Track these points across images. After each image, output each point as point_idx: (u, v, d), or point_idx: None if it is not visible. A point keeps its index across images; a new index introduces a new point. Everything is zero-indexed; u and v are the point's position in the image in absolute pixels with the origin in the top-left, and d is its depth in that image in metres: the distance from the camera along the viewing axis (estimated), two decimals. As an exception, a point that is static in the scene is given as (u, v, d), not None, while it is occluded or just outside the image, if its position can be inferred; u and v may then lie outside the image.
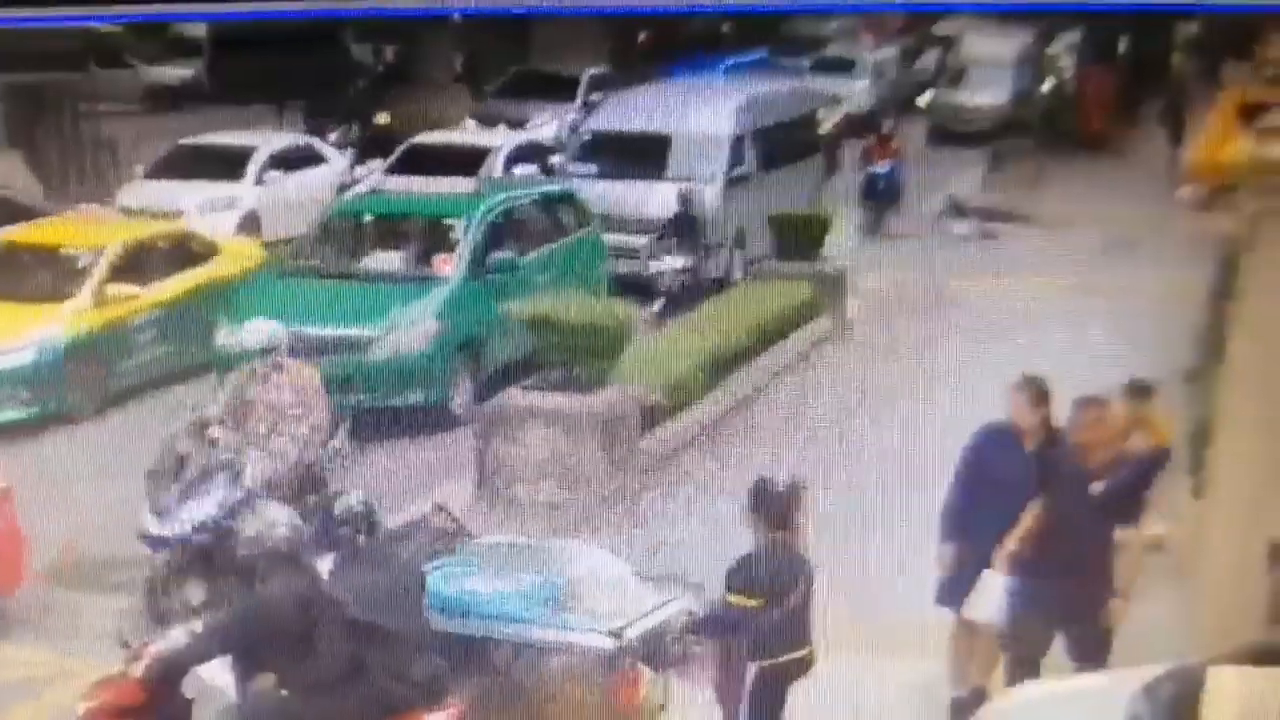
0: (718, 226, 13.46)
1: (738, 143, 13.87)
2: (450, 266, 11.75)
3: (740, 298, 12.36)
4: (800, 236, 12.93)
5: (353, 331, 11.03)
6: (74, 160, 15.52)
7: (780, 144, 14.30)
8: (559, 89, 17.59)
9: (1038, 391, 7.35)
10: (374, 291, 11.56)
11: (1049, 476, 7.19)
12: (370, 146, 16.25)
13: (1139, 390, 9.31)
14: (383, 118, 17.03)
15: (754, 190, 13.76)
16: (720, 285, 13.21)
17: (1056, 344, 10.13)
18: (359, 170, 15.58)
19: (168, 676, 6.47)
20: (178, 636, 6.58)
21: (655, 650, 6.94)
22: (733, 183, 13.72)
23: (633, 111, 14.46)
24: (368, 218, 12.88)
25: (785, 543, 6.63)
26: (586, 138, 14.25)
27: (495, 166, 14.87)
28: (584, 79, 17.75)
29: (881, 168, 15.65)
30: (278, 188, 14.86)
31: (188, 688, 6.52)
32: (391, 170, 14.82)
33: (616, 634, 6.84)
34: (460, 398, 11.26)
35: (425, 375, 11.06)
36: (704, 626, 6.84)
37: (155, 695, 6.45)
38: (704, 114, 14.12)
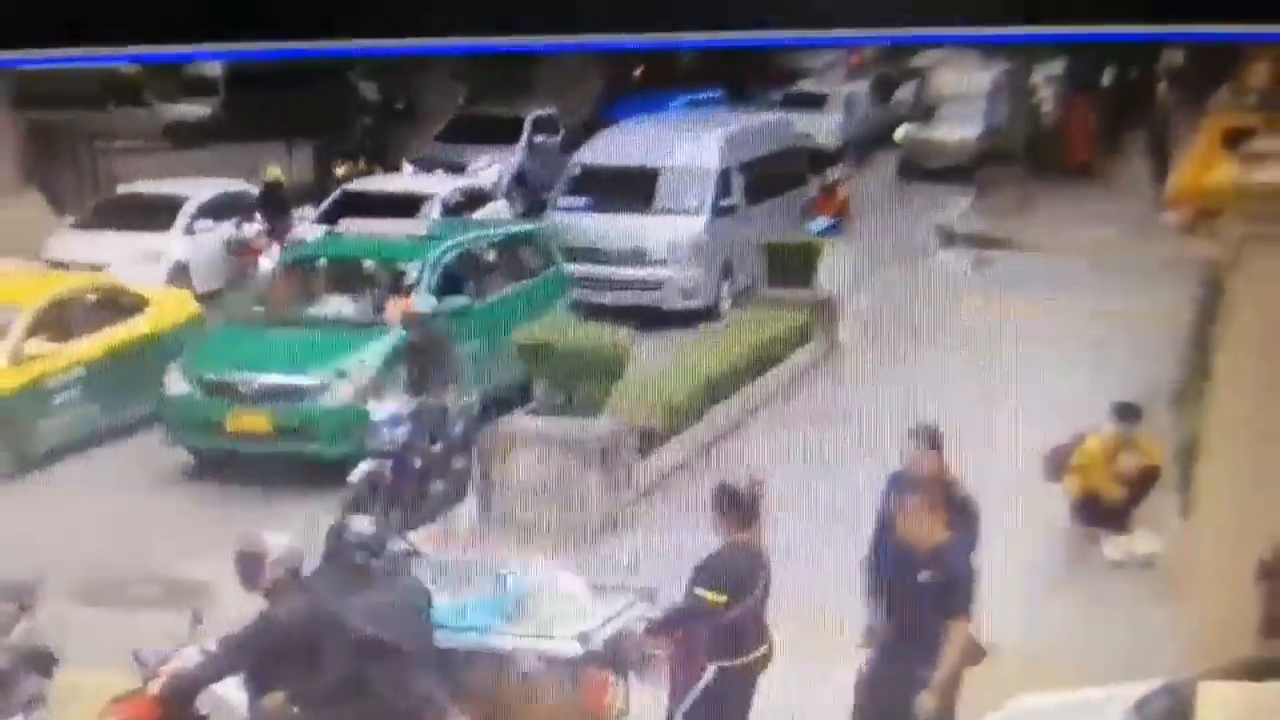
0: (703, 256, 13.63)
1: (725, 175, 14.05)
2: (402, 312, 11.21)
3: (735, 324, 12.52)
4: (792, 264, 13.09)
5: (304, 379, 10.88)
6: (91, 197, 15.39)
7: (766, 176, 14.47)
8: (502, 131, 16.91)
9: (930, 440, 7.25)
10: (327, 338, 11.32)
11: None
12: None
13: (1127, 412, 9.51)
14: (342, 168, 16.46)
15: (740, 222, 13.93)
16: (709, 314, 13.34)
17: (1045, 367, 10.26)
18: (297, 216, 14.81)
19: (182, 694, 6.61)
20: (192, 655, 6.71)
21: (617, 655, 7.16)
22: (720, 214, 13.89)
23: (621, 145, 14.65)
24: (322, 262, 12.62)
25: (746, 543, 6.84)
26: (576, 172, 14.37)
27: (432, 214, 14.28)
28: (528, 121, 17.18)
29: (820, 223, 14.91)
30: (208, 238, 14.22)
31: (202, 705, 6.64)
32: (324, 218, 14.25)
33: (583, 639, 7.05)
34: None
35: None
36: (668, 622, 7.02)
37: (170, 712, 6.59)
38: (691, 147, 14.30)
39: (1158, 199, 12.85)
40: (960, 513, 7.03)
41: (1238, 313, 8.78)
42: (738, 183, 14.10)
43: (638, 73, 18.33)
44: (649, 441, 10.37)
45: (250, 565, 6.70)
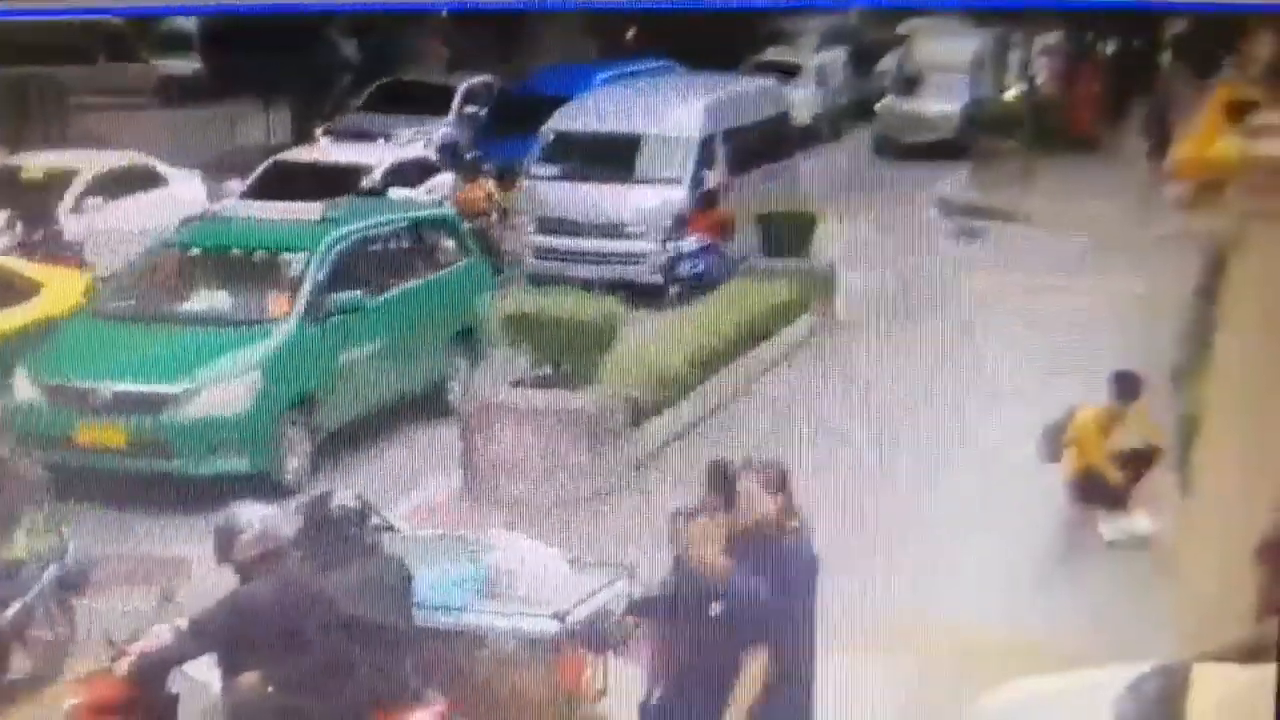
0: (683, 229, 13.05)
1: (707, 144, 13.43)
2: (285, 308, 10.08)
3: (728, 295, 12.35)
4: (788, 234, 12.90)
5: (160, 387, 9.65)
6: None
7: (752, 146, 13.84)
8: (431, 102, 15.53)
9: (768, 477, 6.71)
10: (191, 339, 10.05)
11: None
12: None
13: (1124, 383, 9.39)
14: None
15: (723, 195, 13.39)
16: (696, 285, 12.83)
17: (1044, 341, 10.16)
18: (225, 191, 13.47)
19: (153, 673, 6.50)
20: (163, 634, 6.59)
21: (595, 633, 7.07)
22: (700, 185, 13.31)
23: (597, 111, 13.83)
24: (195, 250, 10.99)
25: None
26: (550, 138, 13.61)
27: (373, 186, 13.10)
28: (459, 90, 15.72)
29: (690, 244, 13.14)
30: (98, 216, 12.76)
31: (173, 684, 6.53)
32: (251, 193, 12.79)
33: (560, 617, 6.96)
34: (293, 464, 9.84)
35: (245, 439, 9.63)
36: (653, 606, 6.92)
37: (141, 692, 6.48)
38: (673, 114, 13.65)
39: (1157, 173, 12.69)
40: (761, 545, 6.62)
41: (1239, 289, 8.65)
42: (721, 152, 13.49)
43: (630, 35, 17.41)
44: (637, 414, 10.23)
45: (226, 539, 6.59)
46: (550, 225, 12.84)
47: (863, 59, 16.98)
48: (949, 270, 11.75)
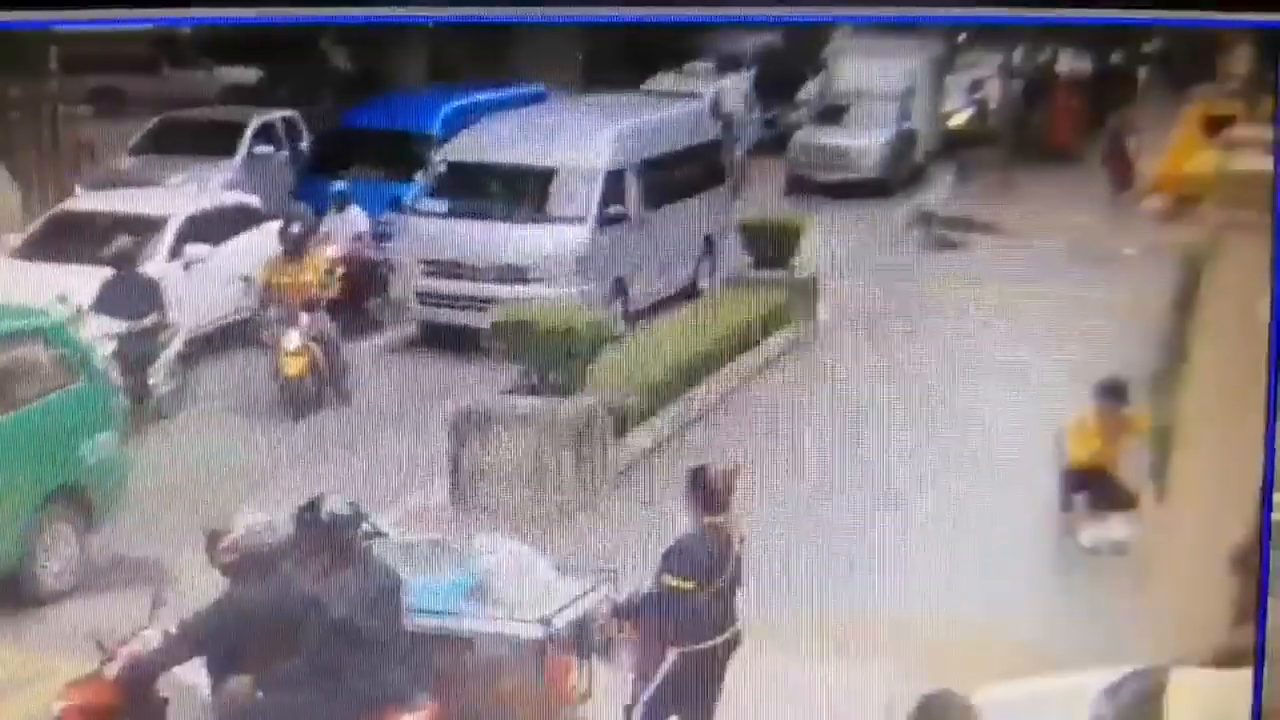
0: (590, 273, 11.48)
1: (616, 177, 11.86)
2: None
3: (712, 304, 12.43)
4: (773, 243, 12.87)
5: None
6: (51, 165, 14.56)
7: (674, 176, 12.28)
8: (216, 141, 12.85)
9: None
10: None
11: None
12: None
13: (1114, 390, 9.50)
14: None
15: (635, 231, 11.86)
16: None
17: (1023, 350, 10.25)
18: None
19: (142, 677, 6.55)
20: (152, 637, 6.65)
21: (580, 637, 7.16)
22: (608, 222, 11.74)
23: (495, 140, 12.08)
24: None
25: (719, 527, 6.85)
26: (441, 169, 11.95)
27: (162, 247, 10.42)
28: (250, 127, 12.90)
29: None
30: None
31: (163, 688, 6.59)
32: (25, 251, 10.37)
33: (545, 621, 7.04)
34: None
35: None
36: (635, 609, 7.02)
37: (130, 695, 6.54)
38: (577, 144, 12.02)
39: (1122, 198, 12.71)
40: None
41: (1215, 300, 8.77)
42: (633, 185, 11.94)
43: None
44: (624, 422, 10.32)
45: (212, 542, 6.66)
46: (438, 268, 11.34)
47: (775, 86, 14.40)
48: (930, 281, 11.85)
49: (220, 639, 6.52)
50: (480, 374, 10.36)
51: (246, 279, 10.39)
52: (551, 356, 10.22)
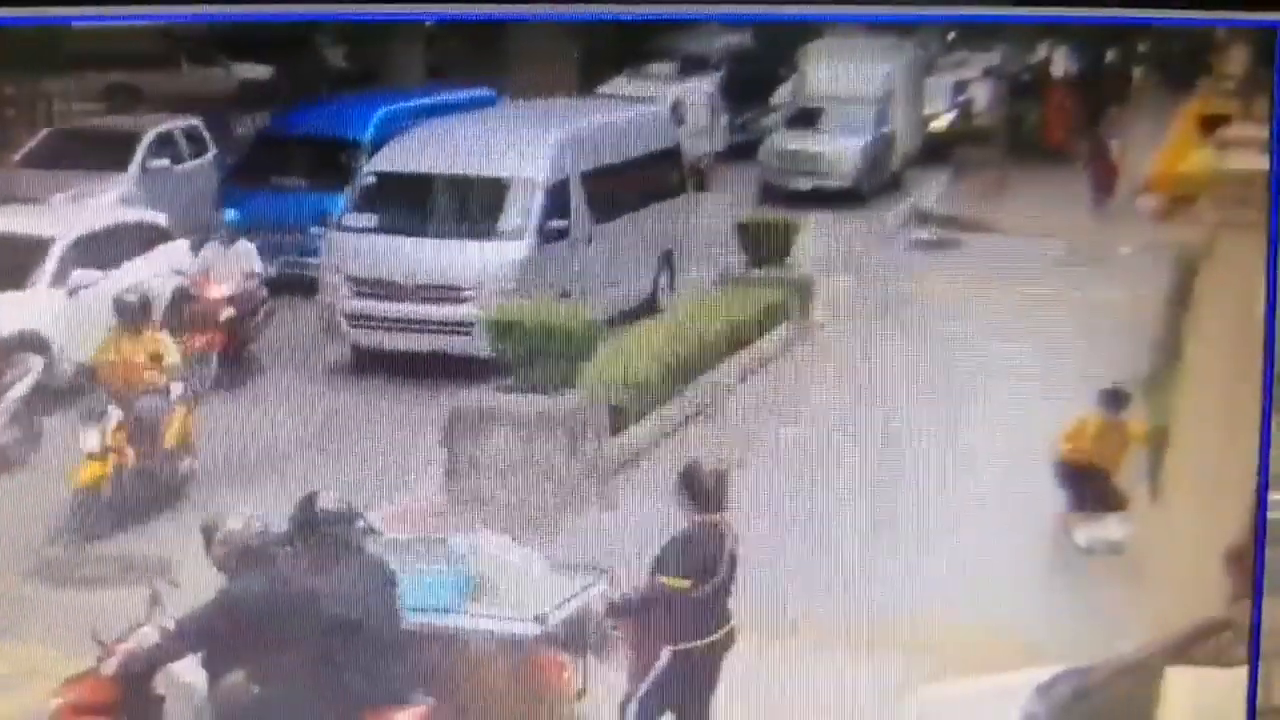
0: (530, 291, 10.64)
1: (559, 189, 11.12)
2: None
3: (708, 302, 12.42)
4: (768, 242, 12.85)
5: None
6: None
7: (624, 187, 11.56)
8: (108, 153, 11.50)
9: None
10: None
11: None
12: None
13: (1115, 398, 9.53)
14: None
15: (581, 245, 11.17)
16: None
17: (1018, 350, 10.26)
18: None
19: (137, 674, 6.55)
20: (149, 634, 6.65)
21: (575, 635, 7.18)
22: (549, 238, 10.98)
23: (424, 149, 11.13)
24: None
25: (713, 525, 6.87)
26: (369, 181, 11.09)
27: (44, 274, 9.15)
28: (146, 138, 11.56)
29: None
30: None
31: (159, 685, 6.59)
32: None
33: (541, 619, 7.05)
34: None
35: None
36: (629, 608, 7.04)
37: (126, 692, 6.54)
38: (516, 153, 11.14)
39: (1103, 195, 12.67)
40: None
41: (1210, 300, 8.79)
42: (579, 196, 11.23)
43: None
44: (619, 419, 10.32)
45: (207, 537, 6.67)
46: (367, 287, 10.59)
47: (745, 88, 13.43)
48: (924, 280, 11.86)
49: (217, 635, 6.52)
50: (473, 372, 10.36)
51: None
52: (546, 354, 10.22)
